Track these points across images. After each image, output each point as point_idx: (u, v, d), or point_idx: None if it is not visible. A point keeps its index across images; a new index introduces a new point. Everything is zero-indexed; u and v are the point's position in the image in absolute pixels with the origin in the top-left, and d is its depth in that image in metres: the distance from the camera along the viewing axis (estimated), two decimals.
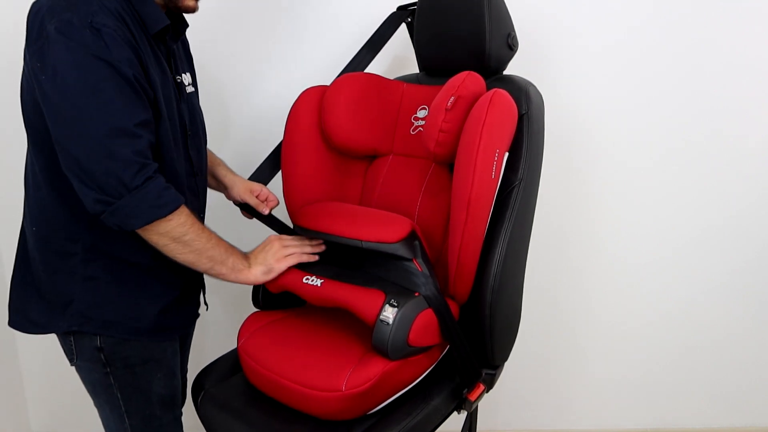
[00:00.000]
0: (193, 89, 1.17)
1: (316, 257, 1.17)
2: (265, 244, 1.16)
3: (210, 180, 1.28)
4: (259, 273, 1.10)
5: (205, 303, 1.26)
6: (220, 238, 1.06)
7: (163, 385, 1.13)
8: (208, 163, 1.28)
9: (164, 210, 0.95)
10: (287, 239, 1.17)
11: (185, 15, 1.10)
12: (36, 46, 0.90)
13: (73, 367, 1.11)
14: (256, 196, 1.27)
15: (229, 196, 1.30)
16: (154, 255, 1.03)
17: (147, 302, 1.08)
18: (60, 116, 0.90)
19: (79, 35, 0.87)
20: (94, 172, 0.90)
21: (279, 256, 1.13)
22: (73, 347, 1.07)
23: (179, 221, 0.97)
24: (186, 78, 1.14)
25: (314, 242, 1.19)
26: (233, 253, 1.08)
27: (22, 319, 1.09)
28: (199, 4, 1.06)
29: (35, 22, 0.91)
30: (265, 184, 1.32)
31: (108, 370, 1.07)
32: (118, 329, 1.06)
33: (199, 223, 1.01)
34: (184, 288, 1.14)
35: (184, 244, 0.99)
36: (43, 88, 0.90)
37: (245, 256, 1.11)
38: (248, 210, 1.29)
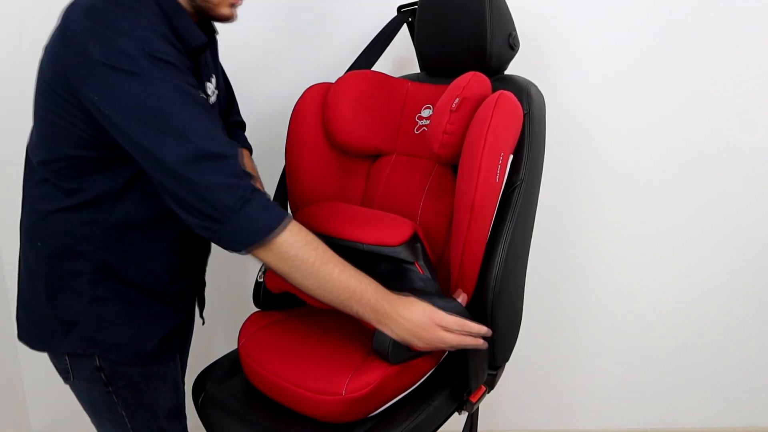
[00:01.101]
0: (215, 94, 1.09)
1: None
2: (419, 319, 0.93)
3: None
4: (398, 336, 0.94)
5: (202, 317, 1.23)
6: (350, 274, 0.90)
7: (169, 398, 1.09)
8: None
9: (259, 235, 0.84)
10: (448, 322, 0.95)
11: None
12: (85, 74, 0.82)
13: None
14: None
15: None
16: (169, 281, 1.00)
17: (154, 326, 1.03)
18: (142, 151, 0.83)
19: (137, 66, 0.80)
20: (189, 200, 0.83)
21: (428, 343, 0.95)
22: (69, 367, 1.02)
23: (279, 254, 0.86)
24: (209, 86, 1.06)
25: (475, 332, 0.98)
26: (360, 300, 0.91)
27: (29, 335, 1.04)
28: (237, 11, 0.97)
29: (74, 40, 0.82)
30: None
31: (110, 389, 1.02)
32: (122, 353, 1.00)
33: (311, 256, 0.87)
34: (190, 310, 1.11)
35: (296, 281, 0.89)
36: (111, 122, 0.83)
37: (383, 310, 0.92)
38: None
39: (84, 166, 0.91)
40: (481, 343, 0.99)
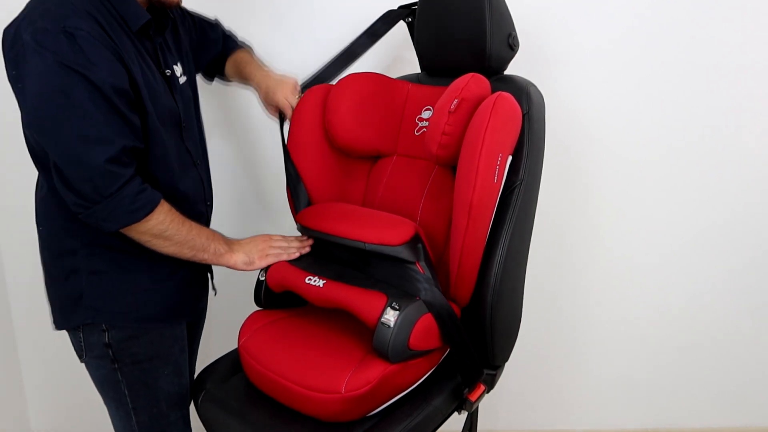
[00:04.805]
0: (186, 78, 1.17)
1: (298, 254, 1.19)
2: (253, 238, 1.20)
3: (237, 78, 1.34)
4: (239, 261, 1.14)
5: (214, 288, 1.28)
6: (200, 227, 1.09)
7: (170, 382, 1.14)
8: (240, 63, 1.33)
9: (139, 214, 0.98)
10: (275, 238, 1.21)
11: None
12: (12, 54, 0.92)
13: (83, 365, 1.12)
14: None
15: (267, 99, 1.30)
16: None
17: (154, 287, 1.10)
18: (35, 124, 0.93)
19: (53, 42, 0.87)
20: (70, 177, 0.93)
21: (263, 253, 1.17)
22: (83, 343, 1.09)
23: (158, 220, 1.00)
24: (177, 69, 1.14)
25: (302, 243, 1.21)
26: (214, 239, 1.11)
27: (56, 317, 1.11)
28: None
29: (9, 32, 0.93)
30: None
31: (116, 366, 1.09)
32: (127, 319, 1.08)
33: (178, 217, 1.04)
34: (191, 268, 1.15)
35: (165, 239, 1.03)
36: (19, 96, 0.93)
37: (228, 241, 1.15)
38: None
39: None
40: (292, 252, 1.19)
